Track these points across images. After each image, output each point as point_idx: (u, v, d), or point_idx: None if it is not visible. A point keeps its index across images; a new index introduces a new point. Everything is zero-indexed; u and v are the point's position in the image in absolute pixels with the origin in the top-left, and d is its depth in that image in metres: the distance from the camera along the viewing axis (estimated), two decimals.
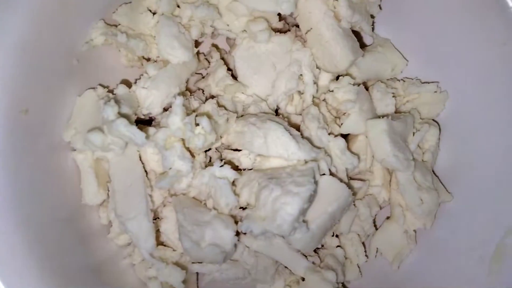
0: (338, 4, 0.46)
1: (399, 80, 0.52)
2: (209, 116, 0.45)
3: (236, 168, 0.46)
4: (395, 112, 0.50)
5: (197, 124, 0.43)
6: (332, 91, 0.48)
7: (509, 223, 0.42)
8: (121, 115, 0.42)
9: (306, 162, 0.44)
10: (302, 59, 0.48)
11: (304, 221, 0.42)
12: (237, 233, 0.43)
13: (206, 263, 0.44)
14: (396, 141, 0.46)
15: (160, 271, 0.42)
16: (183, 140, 0.43)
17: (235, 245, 0.42)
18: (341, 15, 0.46)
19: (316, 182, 0.43)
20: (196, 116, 0.43)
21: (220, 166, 0.43)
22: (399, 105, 0.51)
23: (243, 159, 0.46)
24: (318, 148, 0.45)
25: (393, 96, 0.50)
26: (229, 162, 0.46)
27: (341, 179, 0.45)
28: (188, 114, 0.43)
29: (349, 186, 0.45)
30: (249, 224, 0.41)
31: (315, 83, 0.49)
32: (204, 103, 0.47)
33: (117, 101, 0.42)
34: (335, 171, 0.46)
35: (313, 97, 0.49)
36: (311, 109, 0.47)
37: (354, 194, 0.46)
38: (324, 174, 0.44)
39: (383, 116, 0.48)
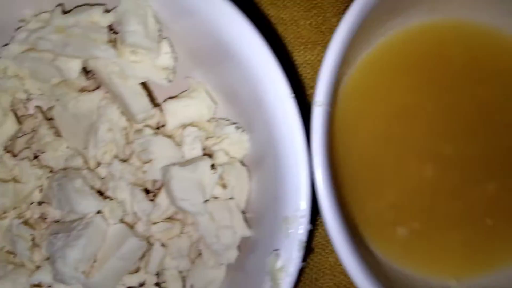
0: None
1: (214, 122, 0.56)
2: (15, 179, 0.50)
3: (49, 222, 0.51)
4: (205, 154, 0.54)
5: None
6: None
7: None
8: None
9: (96, 213, 0.49)
10: (109, 114, 0.53)
11: (84, 271, 0.47)
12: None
13: None
14: (186, 186, 0.50)
15: None
16: None
17: None
18: (125, 75, 0.51)
19: (99, 232, 0.47)
20: None
21: (17, 225, 0.49)
22: (211, 146, 0.55)
23: (55, 214, 0.51)
24: (111, 199, 0.50)
25: (206, 138, 0.54)
26: (43, 217, 0.52)
27: (132, 226, 0.50)
28: None
29: (140, 231, 0.50)
30: (38, 276, 0.47)
31: (126, 134, 0.53)
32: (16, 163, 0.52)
33: None
34: (133, 218, 0.50)
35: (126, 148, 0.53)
36: (114, 161, 0.52)
37: (143, 236, 0.50)
38: (116, 223, 0.49)
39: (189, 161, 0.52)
